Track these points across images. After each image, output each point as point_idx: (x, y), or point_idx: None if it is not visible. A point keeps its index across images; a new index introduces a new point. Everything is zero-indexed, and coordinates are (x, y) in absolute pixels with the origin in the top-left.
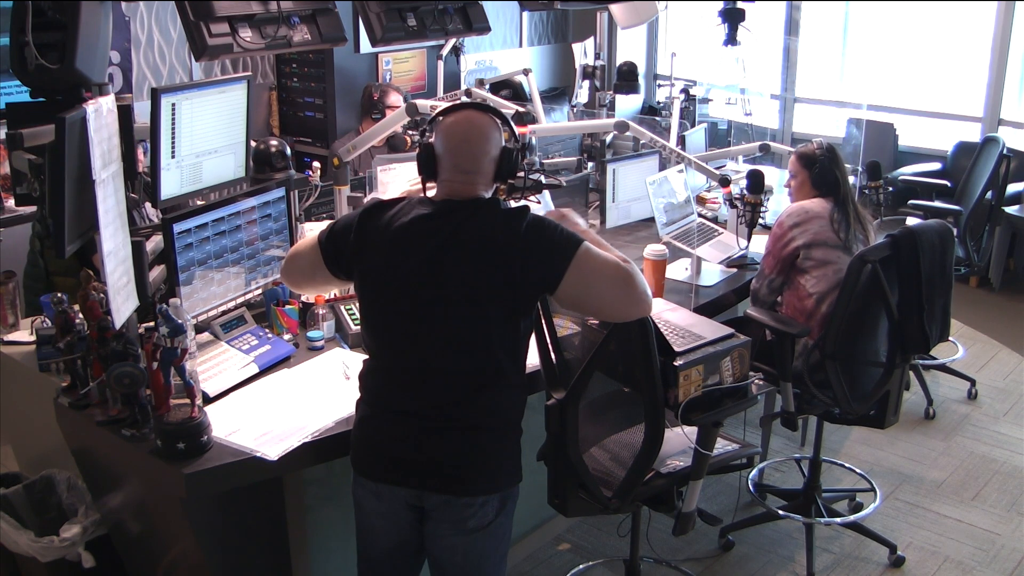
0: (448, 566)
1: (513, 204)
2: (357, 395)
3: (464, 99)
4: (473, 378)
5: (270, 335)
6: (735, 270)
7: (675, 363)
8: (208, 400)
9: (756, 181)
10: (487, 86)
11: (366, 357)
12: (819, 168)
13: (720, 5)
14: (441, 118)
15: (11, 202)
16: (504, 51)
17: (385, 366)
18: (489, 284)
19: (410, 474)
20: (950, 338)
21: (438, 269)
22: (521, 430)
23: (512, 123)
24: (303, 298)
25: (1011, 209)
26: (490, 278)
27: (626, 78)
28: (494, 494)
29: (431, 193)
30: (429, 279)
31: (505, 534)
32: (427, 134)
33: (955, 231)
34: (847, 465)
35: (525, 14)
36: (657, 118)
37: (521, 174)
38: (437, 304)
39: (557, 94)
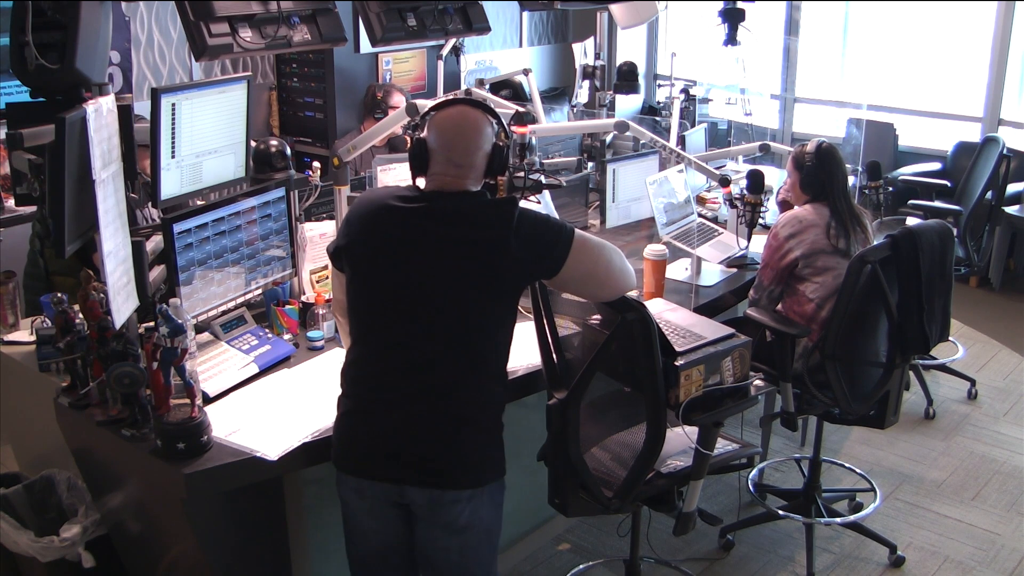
0: (443, 566)
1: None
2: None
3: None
4: (458, 367)
5: (270, 335)
6: (735, 270)
7: (676, 363)
8: (208, 400)
9: (756, 181)
10: (487, 86)
11: (347, 349)
12: (805, 171)
13: (720, 5)
14: (433, 113)
15: (11, 202)
16: (504, 51)
17: (367, 354)
18: (480, 273)
19: (391, 468)
20: (950, 338)
21: (426, 258)
22: (502, 424)
23: (503, 120)
24: (303, 298)
25: (1011, 209)
26: (481, 267)
27: (626, 78)
28: (479, 487)
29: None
30: (417, 268)
31: (495, 527)
32: (419, 129)
33: (955, 231)
34: (847, 465)
35: (525, 14)
36: (657, 118)
37: (521, 174)
38: (425, 293)
39: (557, 94)
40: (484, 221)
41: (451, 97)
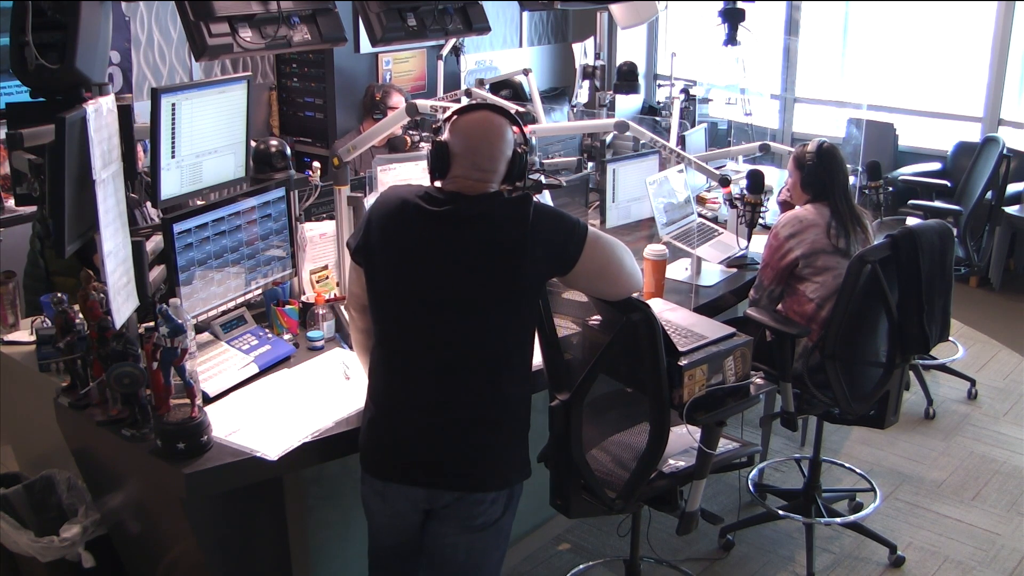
0: (448, 563)
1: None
2: (358, 395)
3: (465, 99)
4: (482, 369)
5: (270, 335)
6: (735, 270)
7: (680, 363)
8: (208, 400)
9: (756, 181)
10: (487, 86)
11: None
12: (807, 170)
13: (720, 5)
14: (456, 117)
15: (11, 202)
16: (504, 51)
17: (391, 357)
18: (500, 274)
19: (422, 473)
20: (950, 338)
21: (448, 261)
22: (529, 425)
23: (522, 126)
24: (303, 298)
25: (1011, 209)
26: (501, 268)
27: (626, 78)
28: (504, 490)
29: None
30: (439, 271)
31: (508, 531)
32: (441, 132)
33: (955, 231)
34: (847, 465)
35: (525, 14)
36: (657, 118)
37: None
38: (447, 296)
39: (557, 94)
40: (501, 222)
41: (466, 101)
